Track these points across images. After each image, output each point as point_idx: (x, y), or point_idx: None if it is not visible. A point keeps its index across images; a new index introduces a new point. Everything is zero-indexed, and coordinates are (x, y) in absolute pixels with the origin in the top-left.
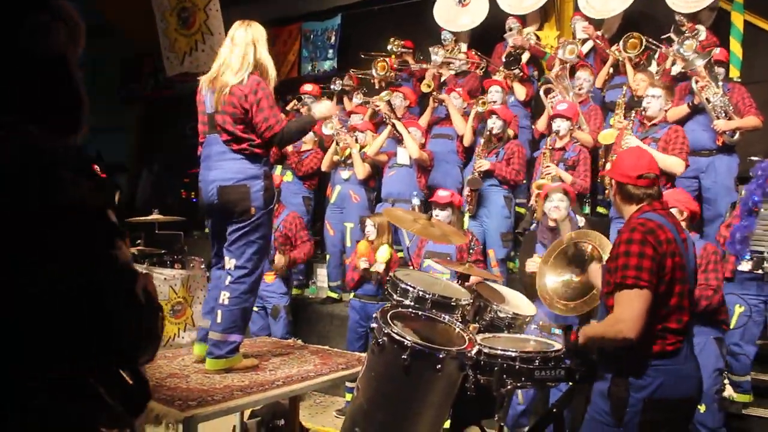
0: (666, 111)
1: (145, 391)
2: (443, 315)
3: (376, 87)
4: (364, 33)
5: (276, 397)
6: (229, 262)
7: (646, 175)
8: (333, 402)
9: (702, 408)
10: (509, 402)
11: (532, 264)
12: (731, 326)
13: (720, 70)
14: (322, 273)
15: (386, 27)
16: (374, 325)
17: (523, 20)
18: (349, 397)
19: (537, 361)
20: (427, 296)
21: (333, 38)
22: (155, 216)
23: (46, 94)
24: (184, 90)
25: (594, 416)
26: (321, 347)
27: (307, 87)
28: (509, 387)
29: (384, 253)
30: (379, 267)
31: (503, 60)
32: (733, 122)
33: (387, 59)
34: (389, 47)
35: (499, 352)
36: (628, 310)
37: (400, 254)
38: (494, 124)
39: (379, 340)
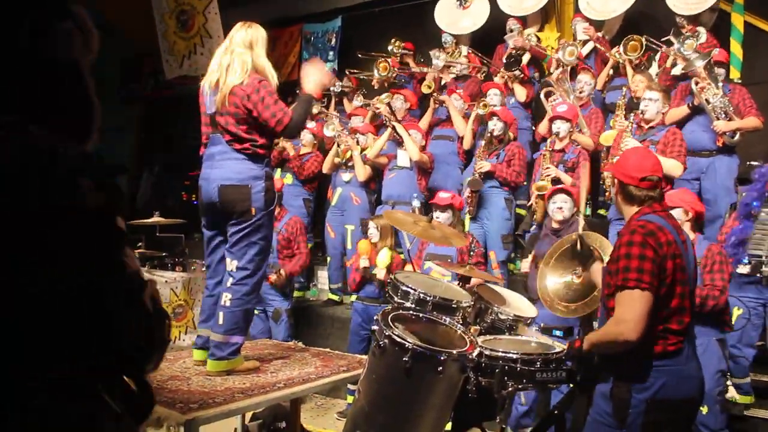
0: (664, 114)
1: (150, 399)
2: (444, 317)
3: (376, 88)
4: (364, 35)
5: (277, 400)
6: (231, 264)
7: (649, 177)
8: (334, 404)
9: (704, 409)
10: (511, 404)
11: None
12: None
13: (720, 71)
14: (323, 275)
15: (387, 29)
16: (375, 327)
17: (524, 21)
18: (350, 399)
19: (538, 363)
20: (428, 298)
21: (333, 40)
22: (156, 218)
23: (59, 97)
24: (184, 90)
25: (596, 417)
26: (322, 349)
27: None
28: (510, 389)
29: (384, 257)
30: (380, 273)
31: (504, 61)
32: (733, 123)
33: (388, 60)
34: (390, 48)
35: (500, 354)
36: (630, 312)
37: (402, 256)
38: (495, 125)
39: (380, 343)
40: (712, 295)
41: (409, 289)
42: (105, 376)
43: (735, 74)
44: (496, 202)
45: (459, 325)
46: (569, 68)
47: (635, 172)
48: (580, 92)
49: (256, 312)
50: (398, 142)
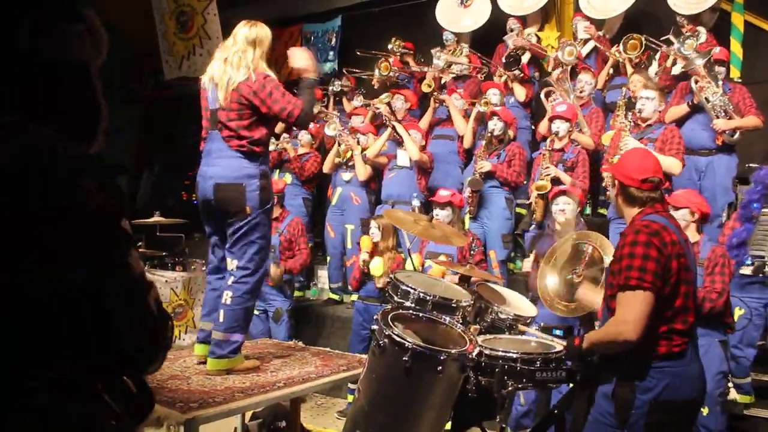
0: (660, 112)
1: (149, 399)
2: (444, 316)
3: (376, 88)
4: (364, 34)
5: (277, 399)
6: (231, 263)
7: (651, 179)
8: (334, 403)
9: (705, 411)
10: (510, 403)
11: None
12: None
13: (720, 70)
14: (323, 275)
15: (387, 28)
16: (375, 326)
17: (524, 21)
18: (350, 398)
19: (538, 363)
20: (428, 298)
21: (333, 40)
22: (157, 218)
23: (59, 97)
24: (184, 90)
25: (598, 418)
26: (322, 349)
27: None
28: (510, 388)
29: (377, 268)
30: (378, 282)
31: (503, 61)
32: (733, 122)
33: (389, 60)
34: (390, 47)
35: (500, 353)
36: (630, 312)
37: (403, 256)
38: (495, 125)
39: (380, 342)
40: (709, 298)
41: (408, 289)
42: (105, 376)
43: (735, 73)
44: (497, 202)
45: (459, 325)
46: (569, 68)
47: (636, 173)
48: (581, 92)
49: (256, 312)
50: (398, 142)
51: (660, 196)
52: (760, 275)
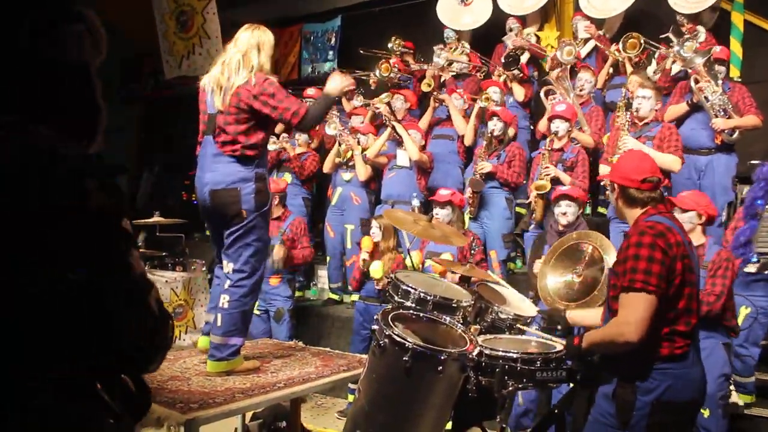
0: (657, 110)
1: (147, 398)
2: (444, 316)
3: (372, 88)
4: (364, 34)
5: (277, 399)
6: (228, 266)
7: (649, 179)
8: (334, 404)
9: (706, 413)
10: (511, 403)
11: (537, 265)
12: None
13: (720, 69)
14: (323, 275)
15: (387, 28)
16: (375, 326)
17: (524, 21)
18: (350, 398)
19: (538, 363)
20: (428, 298)
21: (333, 40)
22: (156, 218)
23: (60, 97)
24: (184, 90)
25: (598, 418)
26: (322, 349)
27: (310, 91)
28: (511, 388)
29: (376, 270)
30: (378, 285)
31: (502, 61)
32: (732, 121)
33: (389, 61)
34: (390, 45)
35: (500, 353)
36: (633, 314)
37: (403, 256)
38: (495, 126)
39: (381, 342)
40: (707, 301)
41: (409, 289)
42: (105, 376)
43: (735, 73)
44: (497, 202)
45: (459, 325)
46: (569, 66)
47: (635, 174)
48: (581, 90)
49: (257, 312)
50: (398, 142)
51: (660, 196)
52: (766, 272)
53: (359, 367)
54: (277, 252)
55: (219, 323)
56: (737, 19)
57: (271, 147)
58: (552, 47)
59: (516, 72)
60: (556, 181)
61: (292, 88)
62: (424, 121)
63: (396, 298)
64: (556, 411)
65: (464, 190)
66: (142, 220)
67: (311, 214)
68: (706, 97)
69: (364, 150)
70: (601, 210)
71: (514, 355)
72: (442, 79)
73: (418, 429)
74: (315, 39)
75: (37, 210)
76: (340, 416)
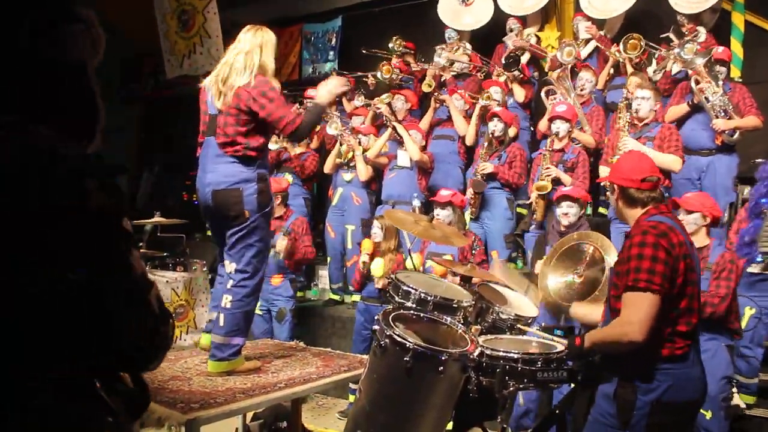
0: (656, 111)
1: (145, 395)
2: (445, 317)
3: (371, 88)
4: (364, 35)
5: (278, 400)
6: (230, 266)
7: (649, 178)
8: (335, 404)
9: (708, 414)
10: (512, 403)
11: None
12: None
13: (721, 69)
14: (323, 275)
15: (387, 28)
16: (376, 327)
17: (524, 21)
18: (351, 398)
19: (539, 363)
20: (429, 298)
21: (334, 40)
22: (157, 219)
23: (59, 97)
24: (184, 90)
25: (598, 418)
26: (323, 349)
27: (311, 92)
28: (511, 388)
29: (377, 269)
30: (378, 283)
31: (503, 62)
32: (732, 121)
33: (391, 63)
34: (391, 45)
35: (501, 353)
36: (636, 313)
37: (404, 256)
38: (495, 126)
39: (381, 342)
40: (711, 303)
41: (410, 289)
42: (104, 375)
43: (735, 73)
44: (499, 203)
45: (460, 325)
46: (569, 66)
47: (634, 174)
48: (581, 90)
49: (259, 312)
50: (399, 142)
51: (660, 196)
52: None
53: (360, 368)
54: (280, 243)
55: (221, 323)
56: (738, 19)
57: (271, 147)
58: (552, 48)
59: (516, 73)
60: (557, 182)
61: (292, 89)
62: (425, 122)
63: (397, 298)
64: (557, 411)
65: (465, 190)
66: (143, 221)
67: (311, 215)
68: (706, 98)
69: (365, 151)
70: (601, 210)
71: (515, 356)
72: (443, 79)
73: (419, 429)
74: (315, 39)
75: (37, 210)
76: (341, 416)
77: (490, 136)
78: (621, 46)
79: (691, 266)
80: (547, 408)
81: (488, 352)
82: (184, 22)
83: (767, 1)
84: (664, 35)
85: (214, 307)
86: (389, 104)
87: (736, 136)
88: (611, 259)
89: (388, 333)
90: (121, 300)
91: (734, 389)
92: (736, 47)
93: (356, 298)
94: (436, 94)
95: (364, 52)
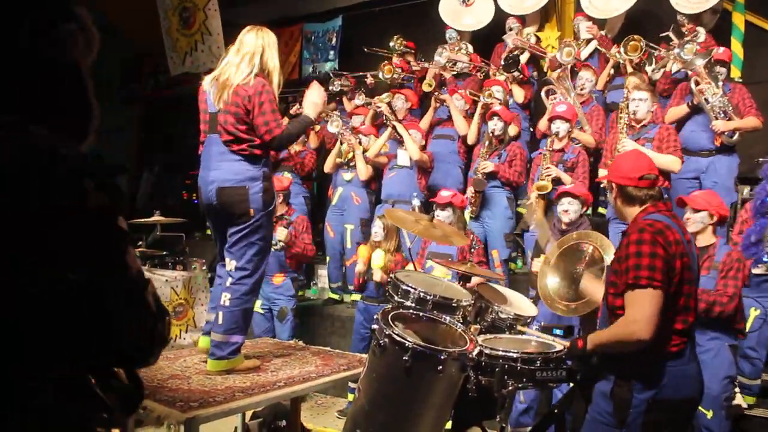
0: (653, 112)
1: (140, 392)
2: (444, 316)
3: (371, 88)
4: (365, 34)
5: (277, 398)
6: (230, 264)
7: (646, 176)
8: (334, 403)
9: (709, 414)
10: (511, 403)
11: (537, 263)
12: (746, 329)
13: (721, 70)
14: (323, 274)
15: (387, 28)
16: (375, 326)
17: (523, 21)
18: (350, 397)
19: (538, 362)
20: (428, 297)
21: (334, 40)
22: (157, 218)
23: (51, 97)
24: (184, 90)
25: (595, 417)
26: (322, 348)
27: None
28: (510, 388)
29: (378, 259)
30: (376, 275)
31: (502, 63)
32: (732, 123)
33: (392, 63)
34: (391, 44)
35: (500, 353)
36: (641, 311)
37: (404, 255)
38: (495, 125)
39: (381, 342)
40: (720, 302)
41: (409, 288)
42: (101, 373)
43: (736, 73)
44: (499, 202)
45: (459, 324)
46: (569, 66)
47: (632, 172)
48: (581, 89)
49: (261, 311)
50: (399, 142)
51: (659, 194)
52: None
53: (359, 367)
54: (281, 232)
55: (220, 321)
56: (738, 19)
57: None
58: (553, 48)
59: (516, 74)
60: (557, 182)
61: (292, 89)
62: (425, 121)
63: (396, 297)
64: (555, 411)
65: (465, 190)
66: (143, 220)
67: (311, 214)
68: (706, 99)
69: (365, 151)
70: (601, 210)
71: (514, 355)
72: (442, 78)
73: (418, 428)
74: (316, 39)
75: (37, 210)
76: (340, 415)
77: (490, 134)
78: (621, 48)
79: (688, 265)
80: (546, 407)
81: (487, 351)
82: (185, 20)
83: (767, 1)
84: (664, 34)
85: (213, 308)
86: (389, 103)
87: (735, 137)
88: (610, 258)
89: (387, 332)
90: (121, 300)
91: (736, 389)
92: (737, 47)
93: (355, 297)
94: (436, 93)
95: (365, 50)
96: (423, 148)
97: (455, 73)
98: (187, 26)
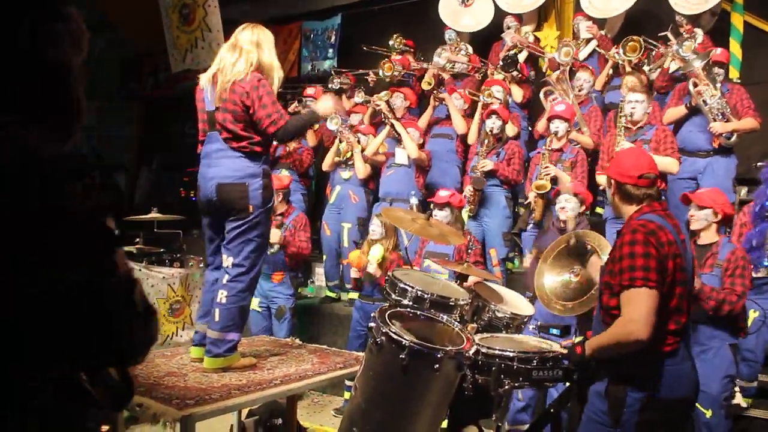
0: (649, 113)
1: (130, 389)
2: (441, 315)
3: (371, 85)
4: (364, 33)
5: (274, 396)
6: (227, 260)
7: (646, 175)
8: (331, 401)
9: (708, 413)
10: (507, 402)
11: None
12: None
13: (719, 71)
14: (320, 272)
15: (387, 27)
16: (372, 324)
17: (521, 19)
18: (347, 396)
19: (535, 361)
20: (426, 296)
21: (333, 38)
22: (154, 214)
23: (50, 97)
24: (183, 90)
25: (591, 416)
26: (319, 346)
27: (310, 90)
28: (507, 387)
29: (376, 252)
30: (371, 268)
31: (500, 63)
32: (730, 125)
33: (392, 60)
34: (391, 43)
35: (497, 352)
36: (637, 311)
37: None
38: (494, 124)
39: (377, 340)
40: (729, 300)
41: (406, 287)
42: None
43: (734, 74)
44: (498, 201)
45: (456, 323)
46: (568, 67)
47: (632, 170)
48: (579, 90)
49: (259, 309)
50: (397, 140)
51: (657, 194)
52: None
53: (356, 365)
54: (273, 234)
55: (217, 318)
56: (737, 20)
57: None
58: (552, 47)
59: (515, 73)
60: (555, 181)
61: (291, 86)
62: (424, 120)
63: (393, 296)
64: (551, 410)
65: (462, 189)
66: (140, 216)
67: (309, 211)
68: (704, 101)
69: (363, 150)
70: (598, 210)
71: (511, 354)
72: (440, 78)
73: (414, 427)
74: (315, 37)
75: (37, 210)
76: (337, 413)
77: (489, 133)
78: (620, 49)
79: (681, 266)
80: (542, 406)
81: (484, 350)
82: (185, 16)
83: (766, 2)
84: (662, 34)
85: (201, 317)
86: (388, 102)
87: (733, 138)
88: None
89: (384, 330)
90: (121, 300)
91: (736, 388)
92: (735, 48)
93: (353, 295)
94: (435, 92)
95: (364, 49)
96: (421, 146)
97: (453, 73)
98: (187, 23)
